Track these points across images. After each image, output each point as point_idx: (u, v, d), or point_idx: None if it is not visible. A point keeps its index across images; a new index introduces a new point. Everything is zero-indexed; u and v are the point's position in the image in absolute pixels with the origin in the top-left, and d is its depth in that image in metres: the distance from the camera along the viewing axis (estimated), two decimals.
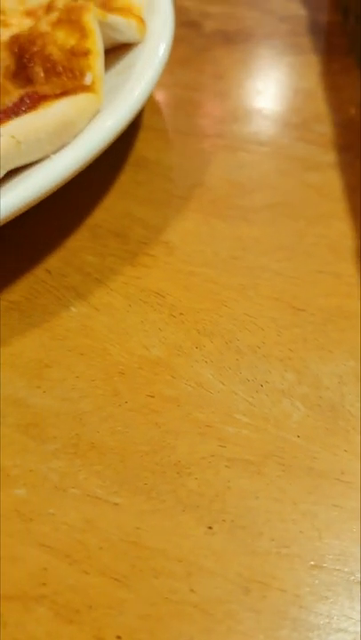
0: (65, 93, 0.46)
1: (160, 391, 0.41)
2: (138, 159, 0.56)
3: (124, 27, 0.52)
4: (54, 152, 0.44)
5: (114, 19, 0.51)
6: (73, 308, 0.45)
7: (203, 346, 0.43)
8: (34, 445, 0.38)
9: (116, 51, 0.55)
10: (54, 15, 0.50)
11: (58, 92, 0.46)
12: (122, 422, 0.39)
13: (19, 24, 0.59)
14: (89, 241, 0.50)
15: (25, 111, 0.45)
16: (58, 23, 0.50)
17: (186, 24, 0.74)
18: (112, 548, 0.34)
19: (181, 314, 0.45)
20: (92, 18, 0.49)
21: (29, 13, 0.60)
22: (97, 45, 0.48)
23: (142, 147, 0.57)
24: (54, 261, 0.48)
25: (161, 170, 0.56)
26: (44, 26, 0.49)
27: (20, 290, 0.46)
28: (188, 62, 0.68)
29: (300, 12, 0.77)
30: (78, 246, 0.49)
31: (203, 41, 0.72)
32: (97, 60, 0.48)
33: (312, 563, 0.34)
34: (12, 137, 0.41)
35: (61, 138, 0.44)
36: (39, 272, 0.48)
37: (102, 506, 0.36)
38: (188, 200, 0.53)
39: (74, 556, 0.34)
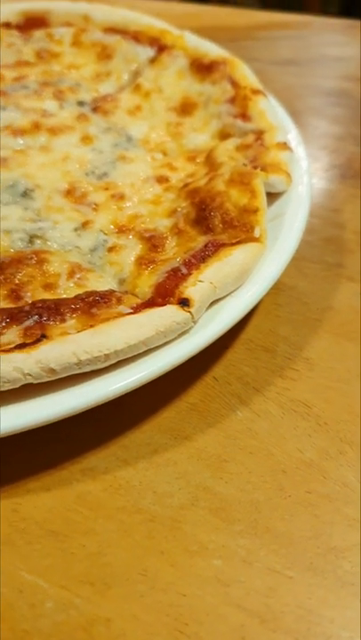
0: (239, 242, 0.59)
1: (315, 488, 0.52)
2: (277, 284, 0.68)
3: (278, 183, 0.66)
4: (234, 291, 0.57)
5: (273, 178, 0.64)
6: (239, 413, 0.57)
7: (345, 452, 0.54)
8: (223, 525, 0.50)
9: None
10: (227, 176, 0.64)
11: (233, 241, 0.59)
12: (288, 512, 0.51)
13: (183, 168, 0.73)
14: (244, 354, 0.62)
15: (209, 256, 0.58)
16: (230, 183, 0.63)
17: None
18: (291, 612, 0.45)
19: (326, 423, 0.57)
20: (260, 182, 0.62)
21: (190, 158, 0.74)
22: (263, 204, 0.62)
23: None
24: (219, 370, 0.61)
25: (296, 294, 0.68)
26: (220, 185, 0.63)
27: (196, 394, 0.59)
28: None
29: None
30: (236, 358, 0.62)
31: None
32: (263, 216, 0.61)
33: None
34: (211, 283, 0.54)
35: (240, 280, 0.57)
36: (208, 379, 0.60)
37: (280, 578, 0.47)
38: (321, 321, 0.66)
39: (263, 616, 0.45)
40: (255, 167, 0.66)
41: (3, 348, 0.47)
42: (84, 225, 0.64)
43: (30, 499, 0.50)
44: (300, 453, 0.54)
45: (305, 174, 0.70)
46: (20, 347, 0.47)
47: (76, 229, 0.63)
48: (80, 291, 0.56)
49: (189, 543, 0.48)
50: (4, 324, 0.50)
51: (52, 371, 0.46)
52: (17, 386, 0.46)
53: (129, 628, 0.44)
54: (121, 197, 0.68)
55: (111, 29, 0.94)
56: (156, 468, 0.53)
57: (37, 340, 0.48)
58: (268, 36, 1.25)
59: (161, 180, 0.71)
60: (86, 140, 0.76)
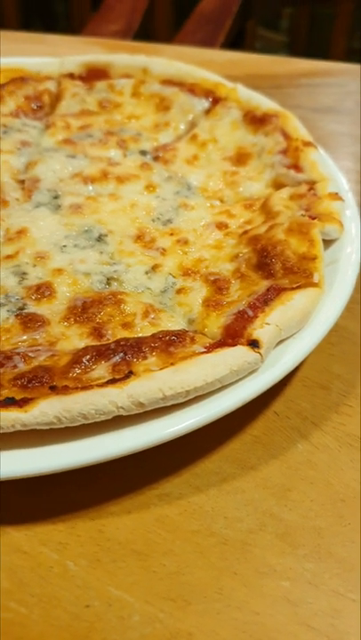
0: (299, 287, 0.64)
1: None
2: None
3: (332, 231, 0.71)
4: (297, 332, 0.62)
5: (329, 227, 0.70)
6: (299, 445, 0.62)
7: None
8: (290, 549, 0.54)
9: None
10: (286, 225, 0.70)
11: (293, 285, 0.64)
12: (349, 538, 0.55)
13: (240, 215, 0.79)
14: (301, 390, 0.67)
15: (272, 300, 0.63)
16: (290, 232, 0.69)
17: None
18: (356, 634, 0.49)
19: None
20: (318, 231, 0.68)
21: (246, 206, 0.80)
22: (321, 252, 0.67)
23: None
24: (279, 405, 0.66)
25: (347, 334, 0.73)
26: (280, 234, 0.69)
27: (259, 427, 0.63)
28: None
29: None
30: (294, 394, 0.67)
31: None
32: (321, 263, 0.66)
33: None
34: (277, 326, 0.59)
35: (302, 323, 0.62)
36: (270, 414, 0.65)
37: (344, 600, 0.51)
38: None
39: (330, 636, 0.49)
40: (311, 217, 0.71)
41: (96, 383, 0.53)
42: (154, 268, 0.70)
43: (113, 521, 0.55)
44: (358, 484, 0.59)
45: (355, 224, 0.75)
46: (111, 382, 0.53)
47: (147, 272, 0.69)
48: (154, 330, 0.62)
49: (259, 565, 0.53)
50: (93, 360, 0.55)
51: (141, 404, 0.52)
52: (109, 417, 0.51)
53: None
54: (185, 242, 0.74)
55: (168, 81, 1.00)
56: (225, 495, 0.58)
57: (126, 376, 0.53)
58: (309, 83, 1.32)
59: (221, 226, 0.77)
60: (150, 187, 0.82)
